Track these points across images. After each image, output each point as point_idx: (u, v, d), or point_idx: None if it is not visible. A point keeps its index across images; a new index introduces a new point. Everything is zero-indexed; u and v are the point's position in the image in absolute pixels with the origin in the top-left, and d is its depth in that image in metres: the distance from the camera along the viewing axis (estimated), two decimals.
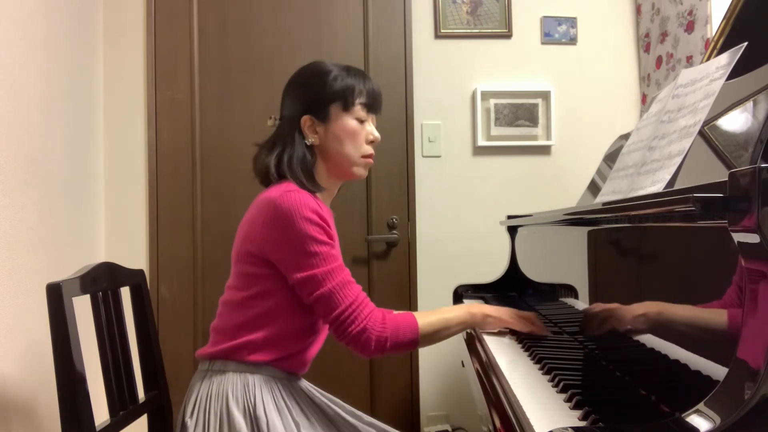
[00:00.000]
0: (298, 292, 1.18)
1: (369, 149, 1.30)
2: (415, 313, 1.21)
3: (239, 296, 1.22)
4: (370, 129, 1.31)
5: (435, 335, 1.21)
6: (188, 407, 1.20)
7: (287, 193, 1.16)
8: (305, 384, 1.29)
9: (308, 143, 1.26)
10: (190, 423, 1.17)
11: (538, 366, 1.06)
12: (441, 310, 1.25)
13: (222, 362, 1.21)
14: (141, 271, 1.47)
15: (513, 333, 1.34)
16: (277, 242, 1.15)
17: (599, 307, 1.07)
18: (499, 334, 1.36)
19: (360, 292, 1.17)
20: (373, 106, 1.30)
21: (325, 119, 1.27)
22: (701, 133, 1.03)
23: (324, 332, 1.31)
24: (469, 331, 1.42)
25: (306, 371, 1.31)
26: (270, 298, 1.20)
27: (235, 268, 1.25)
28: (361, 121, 1.28)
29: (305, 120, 1.26)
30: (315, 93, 1.27)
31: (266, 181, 1.29)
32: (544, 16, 2.45)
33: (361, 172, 1.31)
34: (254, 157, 1.31)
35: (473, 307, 1.29)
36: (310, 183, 1.24)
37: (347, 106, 1.27)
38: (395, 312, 1.21)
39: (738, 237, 0.60)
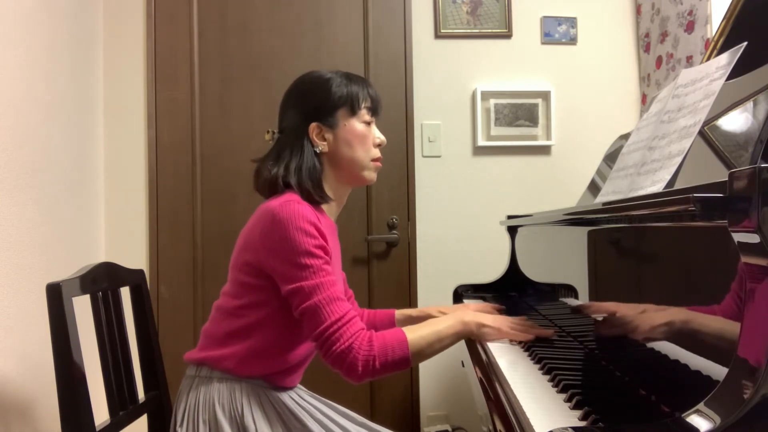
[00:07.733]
0: (290, 304, 1.15)
1: (377, 152, 1.30)
2: (404, 328, 1.14)
3: (232, 304, 1.21)
4: (376, 133, 1.31)
5: (427, 349, 1.14)
6: (178, 416, 1.20)
7: (287, 203, 1.14)
8: (295, 389, 1.28)
9: (318, 151, 1.25)
10: None
11: (538, 366, 1.06)
12: (431, 322, 1.19)
13: (209, 369, 1.20)
14: (141, 271, 1.47)
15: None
16: (272, 252, 1.13)
17: (613, 311, 1.07)
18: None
19: (349, 311, 1.12)
20: (376, 109, 1.31)
21: (333, 125, 1.25)
22: (701, 133, 1.03)
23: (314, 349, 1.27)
24: None
25: (296, 384, 1.29)
26: (261, 310, 1.18)
27: (232, 275, 1.23)
28: (368, 125, 1.28)
29: (313, 128, 1.25)
30: (320, 100, 1.25)
31: (270, 193, 1.25)
32: (544, 16, 2.45)
33: (371, 175, 1.30)
34: (256, 171, 1.28)
35: (467, 315, 1.22)
36: (317, 193, 1.22)
37: (354, 110, 1.26)
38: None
39: (738, 237, 0.60)
